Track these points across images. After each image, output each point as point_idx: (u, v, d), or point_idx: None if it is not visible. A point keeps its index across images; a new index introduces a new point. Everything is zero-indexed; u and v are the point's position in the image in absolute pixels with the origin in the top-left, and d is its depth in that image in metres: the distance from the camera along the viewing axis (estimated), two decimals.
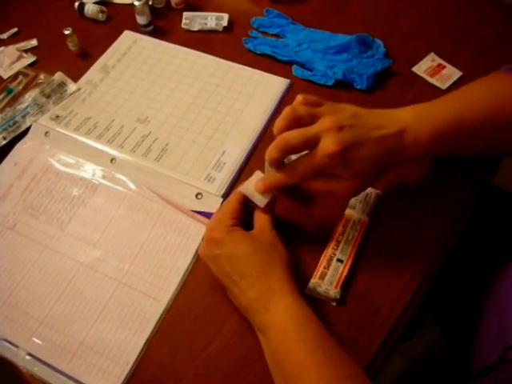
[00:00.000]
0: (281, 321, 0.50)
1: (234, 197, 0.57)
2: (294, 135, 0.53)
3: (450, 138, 0.56)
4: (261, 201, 0.57)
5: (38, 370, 0.55)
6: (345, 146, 0.51)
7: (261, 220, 0.57)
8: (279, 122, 0.54)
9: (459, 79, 0.74)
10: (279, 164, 0.55)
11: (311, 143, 0.52)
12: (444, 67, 0.76)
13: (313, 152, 0.52)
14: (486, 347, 0.62)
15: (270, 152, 0.54)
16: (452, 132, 0.56)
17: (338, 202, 0.62)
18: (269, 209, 0.58)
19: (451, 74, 0.75)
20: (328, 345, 0.49)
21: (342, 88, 0.74)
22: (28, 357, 0.56)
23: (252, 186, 0.57)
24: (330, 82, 0.74)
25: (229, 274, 0.53)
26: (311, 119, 0.53)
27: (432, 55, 0.77)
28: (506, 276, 0.63)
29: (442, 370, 0.79)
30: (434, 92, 0.73)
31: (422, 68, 0.76)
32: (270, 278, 0.52)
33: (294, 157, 0.56)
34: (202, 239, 0.60)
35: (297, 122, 0.53)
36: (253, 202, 0.57)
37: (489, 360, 0.60)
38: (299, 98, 0.56)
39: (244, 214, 0.57)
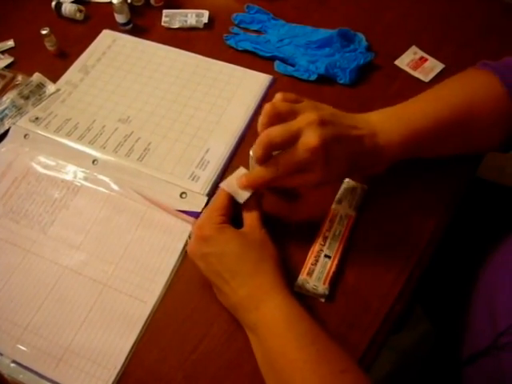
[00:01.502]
0: (272, 319, 0.50)
1: (222, 193, 0.57)
2: (277, 132, 0.52)
3: (424, 139, 0.57)
4: (241, 197, 0.56)
5: (24, 378, 0.54)
6: (327, 140, 0.51)
7: (250, 217, 0.56)
8: (261, 120, 0.54)
9: (441, 72, 0.74)
10: (265, 161, 0.55)
11: (294, 139, 0.52)
12: (426, 60, 0.76)
13: (294, 146, 0.52)
14: (475, 335, 0.63)
15: (255, 150, 0.54)
16: (425, 134, 0.57)
17: (307, 191, 0.63)
18: (257, 206, 0.57)
19: (434, 66, 0.75)
20: (321, 341, 0.49)
21: (324, 83, 0.74)
22: (13, 364, 0.54)
23: (234, 182, 0.56)
24: (313, 77, 0.73)
25: (219, 272, 0.52)
26: (292, 115, 0.53)
27: (414, 48, 0.77)
28: (494, 264, 0.64)
29: (433, 360, 0.79)
30: (416, 85, 0.73)
31: (404, 61, 0.76)
32: (261, 277, 0.52)
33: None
34: (189, 237, 0.59)
35: (278, 119, 0.53)
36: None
37: (478, 348, 0.60)
38: (278, 95, 0.56)
39: (232, 211, 0.57)
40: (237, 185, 0.56)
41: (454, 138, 0.59)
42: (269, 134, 0.53)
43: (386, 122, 0.57)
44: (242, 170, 0.58)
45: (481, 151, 0.66)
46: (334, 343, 0.49)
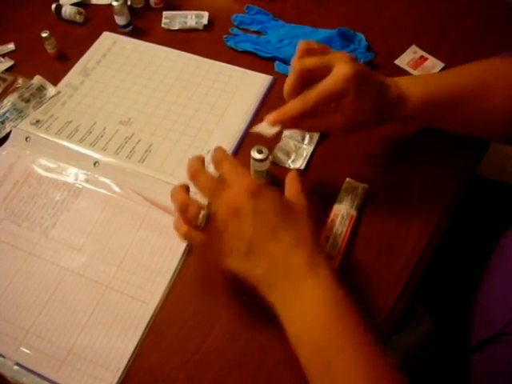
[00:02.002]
0: (318, 291, 0.48)
1: (224, 156, 0.53)
2: (309, 58, 0.55)
3: (441, 103, 0.59)
4: (268, 132, 0.56)
5: (27, 380, 0.53)
6: (359, 73, 0.53)
7: (294, 188, 0.55)
8: (294, 59, 0.56)
9: (441, 71, 0.74)
10: (296, 93, 0.56)
11: (325, 69, 0.54)
12: (426, 59, 0.76)
13: (327, 77, 0.54)
14: (483, 324, 0.62)
15: (286, 80, 0.56)
16: (450, 98, 0.59)
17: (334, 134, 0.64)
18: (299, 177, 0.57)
19: (433, 65, 0.75)
20: (362, 323, 0.47)
21: None
22: (16, 367, 0.54)
23: (262, 125, 0.57)
24: None
25: (274, 226, 0.48)
26: (324, 52, 0.56)
27: (414, 47, 0.77)
28: (500, 256, 0.64)
29: (435, 358, 0.79)
30: None
31: (404, 60, 0.76)
32: (309, 245, 0.49)
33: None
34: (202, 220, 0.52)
35: (306, 76, 0.55)
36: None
37: (487, 335, 0.60)
38: (302, 45, 0.57)
39: None
40: (265, 122, 0.56)
41: (468, 110, 0.60)
42: (302, 61, 0.55)
43: (413, 80, 0.59)
44: (264, 122, 0.57)
45: (493, 134, 0.66)
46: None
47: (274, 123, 0.55)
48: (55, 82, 0.76)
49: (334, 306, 0.47)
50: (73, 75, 0.78)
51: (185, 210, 0.50)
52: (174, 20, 0.83)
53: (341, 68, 0.53)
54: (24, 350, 0.55)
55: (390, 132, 0.67)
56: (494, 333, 0.58)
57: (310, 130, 0.57)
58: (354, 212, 0.60)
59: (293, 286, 0.48)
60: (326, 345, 0.46)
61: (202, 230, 0.50)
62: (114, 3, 0.78)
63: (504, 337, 0.57)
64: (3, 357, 0.55)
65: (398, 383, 0.46)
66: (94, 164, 0.67)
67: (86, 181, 0.66)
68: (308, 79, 0.55)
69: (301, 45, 0.56)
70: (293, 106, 0.55)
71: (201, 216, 0.50)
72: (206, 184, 0.51)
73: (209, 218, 0.50)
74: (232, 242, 0.49)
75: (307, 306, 0.48)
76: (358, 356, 0.45)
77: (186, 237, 0.52)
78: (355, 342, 0.46)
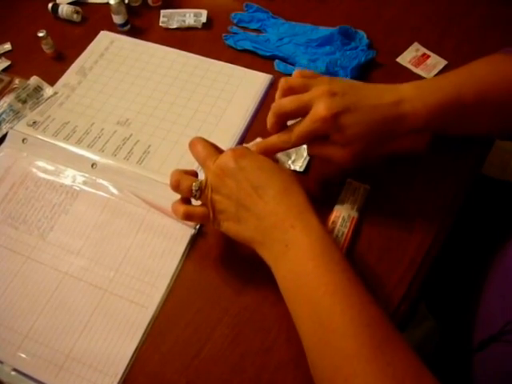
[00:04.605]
0: (307, 238, 0.49)
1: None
2: (288, 100, 0.55)
3: (449, 111, 0.57)
4: None
5: None
6: (336, 110, 0.52)
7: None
8: (276, 94, 0.57)
9: (444, 68, 0.73)
10: (278, 130, 0.57)
11: (304, 109, 0.54)
12: (428, 57, 0.75)
13: (306, 117, 0.54)
14: (486, 322, 0.62)
15: (268, 118, 0.56)
16: (451, 105, 0.56)
17: (336, 171, 0.63)
18: None
19: (436, 63, 0.74)
20: (351, 271, 0.48)
21: None
22: (13, 372, 0.54)
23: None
24: None
25: (255, 187, 0.50)
26: (305, 89, 0.55)
27: (416, 45, 0.76)
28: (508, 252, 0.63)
29: (438, 356, 0.78)
30: None
31: (406, 58, 0.75)
32: (295, 195, 0.51)
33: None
34: (197, 190, 0.55)
35: (291, 93, 0.56)
36: None
37: (489, 333, 0.59)
38: (296, 72, 0.58)
39: None
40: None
41: (478, 114, 0.59)
42: (280, 102, 0.56)
43: (417, 90, 0.57)
44: (258, 140, 0.60)
45: (502, 134, 0.65)
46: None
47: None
48: (52, 83, 0.75)
49: (324, 256, 0.48)
50: (70, 75, 0.77)
51: (178, 186, 0.54)
52: (172, 18, 0.82)
53: (317, 109, 0.53)
54: (22, 355, 0.55)
55: None
56: (495, 332, 0.58)
57: (313, 155, 0.61)
58: (355, 214, 0.60)
59: (281, 238, 0.49)
60: (314, 292, 0.47)
61: (201, 205, 0.54)
62: (112, 2, 0.77)
63: (504, 335, 0.57)
64: (1, 362, 0.54)
65: (390, 328, 0.47)
66: (92, 166, 0.66)
67: (84, 183, 0.65)
68: (289, 116, 0.57)
69: (281, 83, 0.57)
70: (274, 143, 0.57)
71: (193, 186, 0.53)
72: (198, 154, 0.55)
73: (202, 189, 0.53)
74: (224, 203, 0.52)
75: (296, 256, 0.48)
76: (346, 298, 0.46)
77: (185, 214, 0.54)
78: (345, 287, 0.47)
